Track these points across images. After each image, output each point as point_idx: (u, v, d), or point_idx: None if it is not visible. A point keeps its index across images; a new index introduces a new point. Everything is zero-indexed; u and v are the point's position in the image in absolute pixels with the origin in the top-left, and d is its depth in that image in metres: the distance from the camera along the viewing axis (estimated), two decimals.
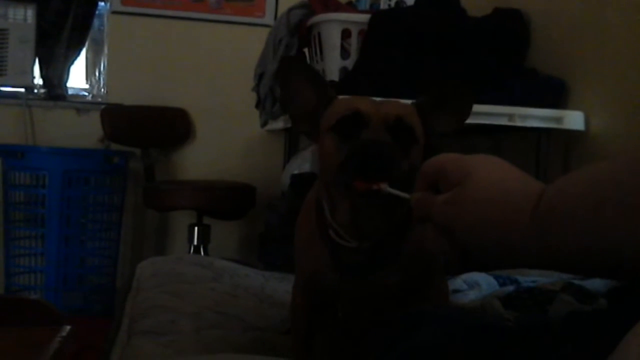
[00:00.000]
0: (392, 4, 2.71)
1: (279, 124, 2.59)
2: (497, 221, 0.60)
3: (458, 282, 1.41)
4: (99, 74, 3.89)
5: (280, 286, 1.57)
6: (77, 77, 3.89)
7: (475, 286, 1.40)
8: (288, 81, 0.98)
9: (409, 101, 0.96)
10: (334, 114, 0.92)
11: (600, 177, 0.55)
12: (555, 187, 0.58)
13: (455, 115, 0.95)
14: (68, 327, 1.23)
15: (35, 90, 3.70)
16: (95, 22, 3.83)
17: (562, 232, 0.55)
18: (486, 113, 1.99)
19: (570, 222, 0.55)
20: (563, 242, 0.55)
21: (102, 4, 3.82)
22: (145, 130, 3.66)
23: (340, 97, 0.97)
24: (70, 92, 3.82)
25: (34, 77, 3.65)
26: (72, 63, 3.77)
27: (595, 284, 1.19)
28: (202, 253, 3.37)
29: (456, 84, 0.96)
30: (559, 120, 2.01)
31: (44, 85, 3.71)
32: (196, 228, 3.40)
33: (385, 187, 0.82)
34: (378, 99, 0.95)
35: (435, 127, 0.95)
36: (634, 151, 0.55)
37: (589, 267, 0.56)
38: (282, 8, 3.00)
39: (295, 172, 2.65)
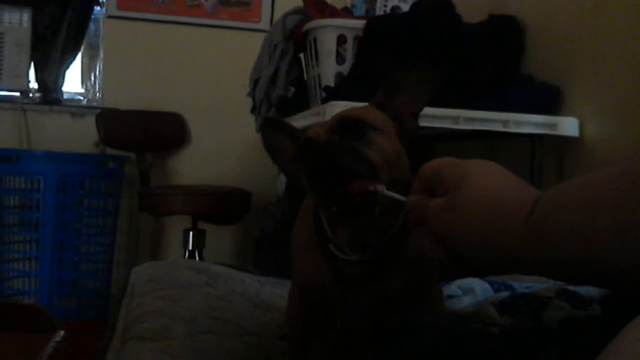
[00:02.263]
0: (388, 10, 2.71)
1: None
2: (490, 228, 0.60)
3: (453, 287, 1.41)
4: (95, 78, 3.89)
5: (275, 291, 1.57)
6: (72, 82, 3.89)
7: (470, 292, 1.40)
8: (270, 141, 0.99)
9: None
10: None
11: (597, 185, 0.54)
12: (551, 195, 0.58)
13: (414, 93, 0.94)
14: (62, 332, 1.22)
15: (31, 94, 3.70)
16: (91, 27, 3.84)
17: (558, 240, 0.55)
18: (481, 119, 2.00)
19: (566, 230, 0.54)
20: (559, 251, 0.55)
21: (97, 8, 3.82)
22: (140, 134, 3.66)
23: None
24: (65, 96, 3.82)
25: (29, 81, 3.65)
26: (67, 67, 3.77)
27: (590, 290, 1.20)
28: (197, 258, 3.37)
29: (412, 66, 0.95)
30: (553, 126, 2.02)
31: (39, 90, 3.71)
32: (191, 233, 3.39)
33: (382, 188, 0.81)
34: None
35: (403, 111, 0.94)
36: (630, 158, 0.55)
37: (585, 276, 0.55)
38: (278, 13, 3.01)
39: None
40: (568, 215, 0.54)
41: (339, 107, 1.77)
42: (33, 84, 3.70)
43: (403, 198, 0.75)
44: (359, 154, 0.84)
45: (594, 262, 0.53)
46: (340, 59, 2.27)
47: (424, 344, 0.72)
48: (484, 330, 0.75)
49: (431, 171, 0.69)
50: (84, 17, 3.75)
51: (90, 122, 3.57)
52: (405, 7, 2.66)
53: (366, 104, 0.97)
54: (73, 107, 3.78)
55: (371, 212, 0.87)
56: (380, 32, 2.17)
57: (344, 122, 0.88)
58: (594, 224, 0.52)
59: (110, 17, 3.79)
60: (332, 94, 2.11)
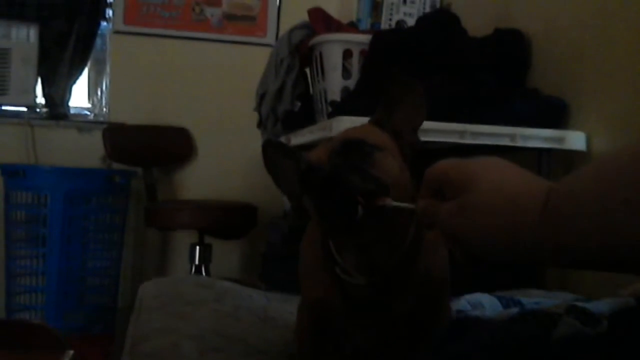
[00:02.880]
0: (393, 24, 2.72)
1: None
2: (505, 225, 0.60)
3: (462, 302, 1.40)
4: (101, 93, 3.91)
5: (283, 307, 1.56)
6: (79, 97, 3.91)
7: (478, 307, 1.40)
8: (271, 164, 0.98)
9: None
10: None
11: (605, 173, 0.55)
12: (562, 185, 0.59)
13: (412, 109, 0.93)
14: (71, 352, 1.22)
15: (38, 110, 3.72)
16: (98, 42, 3.85)
17: (574, 231, 0.55)
18: (487, 133, 1.99)
19: (580, 220, 0.55)
20: (576, 240, 0.55)
21: (104, 23, 3.84)
22: (147, 149, 3.67)
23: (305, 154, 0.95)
24: (72, 111, 3.84)
25: (36, 96, 3.67)
26: (74, 82, 3.79)
27: (599, 306, 1.19)
28: (203, 273, 3.36)
29: (403, 82, 0.94)
30: (560, 140, 2.01)
31: (46, 105, 3.73)
32: (198, 247, 3.39)
33: (389, 201, 0.81)
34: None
35: (403, 126, 0.94)
36: (637, 144, 0.55)
37: (606, 262, 0.55)
38: (284, 28, 3.02)
39: None
40: (580, 205, 0.55)
41: (345, 121, 1.77)
42: (40, 99, 3.72)
43: (412, 206, 0.75)
44: (367, 174, 0.83)
45: (613, 248, 0.53)
46: (346, 73, 2.27)
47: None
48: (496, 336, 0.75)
49: (437, 174, 0.69)
50: (91, 32, 3.78)
51: (97, 136, 3.58)
52: (411, 21, 2.67)
53: (367, 119, 0.97)
54: (80, 122, 3.80)
55: (380, 229, 0.86)
56: (385, 46, 2.18)
57: (347, 145, 0.87)
58: (605, 212, 0.53)
59: (116, 32, 3.81)
60: (339, 109, 2.11)
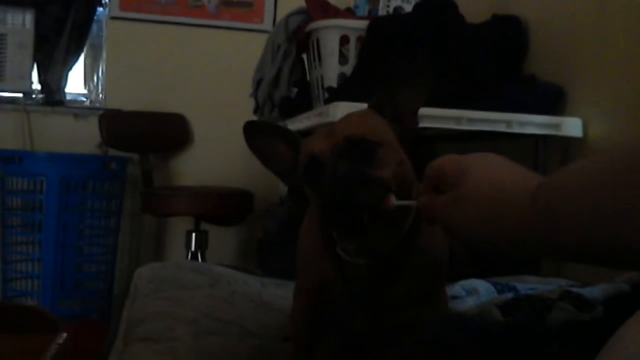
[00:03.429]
0: (391, 10, 2.71)
1: None
2: (494, 215, 0.62)
3: (456, 288, 1.41)
4: (97, 79, 3.89)
5: (278, 292, 1.57)
6: (75, 83, 3.89)
7: (473, 293, 1.40)
8: (257, 145, 0.99)
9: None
10: (301, 163, 0.92)
11: (596, 171, 0.55)
12: (553, 182, 0.59)
13: (415, 89, 0.93)
14: (64, 334, 1.22)
15: (34, 96, 3.70)
16: (94, 28, 3.83)
17: (565, 227, 0.56)
18: (484, 119, 1.99)
19: (571, 217, 0.55)
20: (569, 236, 0.56)
21: (100, 9, 3.82)
22: (143, 135, 3.66)
23: (305, 140, 0.95)
24: (68, 97, 3.82)
25: (32, 83, 3.65)
26: (70, 68, 3.77)
27: (594, 292, 1.19)
28: (199, 259, 3.36)
29: (409, 66, 0.94)
30: (557, 126, 2.01)
31: (42, 91, 3.71)
32: (194, 234, 3.39)
33: (393, 200, 0.82)
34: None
35: (403, 110, 0.93)
36: (628, 143, 0.55)
37: (599, 257, 0.56)
38: (281, 14, 3.00)
39: None
40: (571, 202, 0.55)
41: (342, 107, 1.77)
42: (36, 85, 3.70)
43: (413, 202, 0.76)
44: (373, 181, 0.84)
45: (605, 244, 0.53)
46: (343, 59, 2.26)
47: (431, 336, 0.74)
48: (489, 324, 0.75)
49: (435, 169, 0.71)
50: (87, 18, 3.75)
51: (93, 123, 3.57)
52: (408, 8, 2.66)
53: (364, 105, 0.97)
54: (76, 108, 3.78)
55: (382, 226, 0.88)
56: (382, 32, 2.17)
57: (350, 144, 0.87)
58: (596, 209, 0.53)
59: (112, 18, 3.79)
60: (335, 95, 2.11)
